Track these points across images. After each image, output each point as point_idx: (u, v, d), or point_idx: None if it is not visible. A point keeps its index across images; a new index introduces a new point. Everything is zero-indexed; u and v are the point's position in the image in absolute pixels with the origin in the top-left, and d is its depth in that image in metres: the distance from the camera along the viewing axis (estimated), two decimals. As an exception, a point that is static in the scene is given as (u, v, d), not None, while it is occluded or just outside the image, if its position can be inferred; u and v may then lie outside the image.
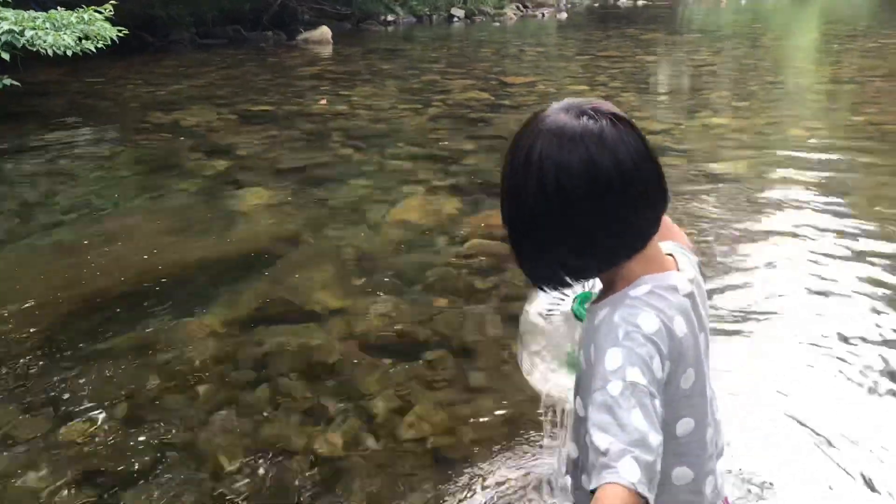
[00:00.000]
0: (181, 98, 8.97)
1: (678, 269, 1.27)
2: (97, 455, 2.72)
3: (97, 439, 2.81)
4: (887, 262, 4.10)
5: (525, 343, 1.56)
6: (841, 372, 3.08)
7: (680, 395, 1.22)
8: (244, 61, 12.28)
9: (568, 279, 1.24)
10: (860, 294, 3.75)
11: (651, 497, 1.04)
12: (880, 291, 3.77)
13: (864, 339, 3.31)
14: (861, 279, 3.90)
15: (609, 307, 1.21)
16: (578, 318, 1.39)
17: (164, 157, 6.49)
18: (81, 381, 3.18)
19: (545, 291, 1.30)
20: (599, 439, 1.07)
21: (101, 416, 2.93)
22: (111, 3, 7.75)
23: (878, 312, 3.56)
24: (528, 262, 1.24)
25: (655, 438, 1.07)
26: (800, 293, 3.79)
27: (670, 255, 1.30)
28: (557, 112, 1.19)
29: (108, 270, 4.21)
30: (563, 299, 1.47)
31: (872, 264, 4.08)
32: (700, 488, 1.29)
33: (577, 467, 1.33)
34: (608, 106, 1.20)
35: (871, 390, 2.97)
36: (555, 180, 1.14)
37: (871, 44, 14.35)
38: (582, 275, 1.25)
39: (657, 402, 1.11)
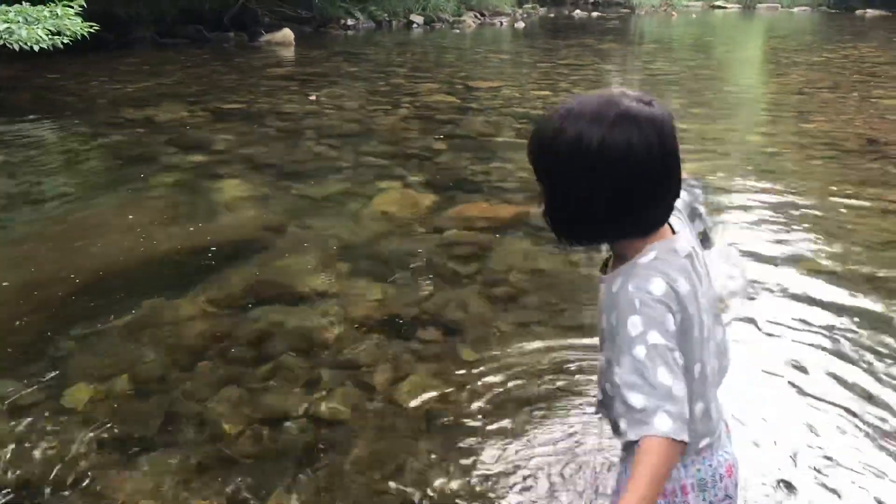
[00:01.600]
0: (151, 95, 9.01)
1: (673, 233, 1.46)
2: (104, 421, 2.82)
3: (102, 408, 2.91)
4: (834, 251, 4.42)
5: None
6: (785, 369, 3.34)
7: (694, 342, 1.41)
8: (209, 61, 12.31)
9: (602, 240, 1.45)
10: (807, 288, 4.03)
11: (685, 438, 1.27)
12: (822, 280, 4.06)
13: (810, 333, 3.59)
14: (810, 271, 4.19)
15: (623, 276, 1.38)
16: None
17: (140, 150, 6.56)
18: (81, 358, 3.27)
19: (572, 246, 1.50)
20: (634, 399, 1.28)
21: (104, 388, 3.03)
22: (82, -1, 7.79)
23: (822, 305, 3.84)
24: (572, 222, 1.41)
25: (680, 389, 1.29)
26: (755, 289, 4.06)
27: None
28: (625, 97, 1.35)
29: (98, 256, 4.30)
30: None
31: (821, 255, 4.38)
32: (710, 415, 1.48)
33: (603, 405, 1.53)
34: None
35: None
36: (626, 153, 1.30)
37: (816, 58, 14.96)
38: (615, 237, 1.43)
39: (677, 355, 1.32)
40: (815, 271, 4.15)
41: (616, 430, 1.46)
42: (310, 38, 16.07)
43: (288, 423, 2.82)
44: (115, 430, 2.77)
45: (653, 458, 1.25)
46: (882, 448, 2.64)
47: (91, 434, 2.75)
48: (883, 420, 2.79)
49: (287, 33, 15.08)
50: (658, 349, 1.30)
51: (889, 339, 3.38)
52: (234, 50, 13.97)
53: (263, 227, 4.80)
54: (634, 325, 1.32)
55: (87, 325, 3.52)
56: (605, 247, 1.55)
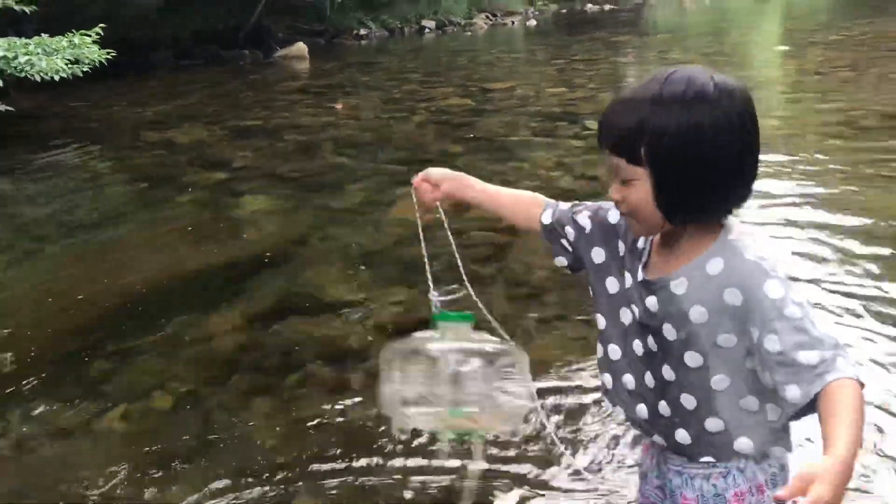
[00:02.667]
0: (170, 117, 9.17)
1: None
2: (145, 439, 2.91)
3: (142, 425, 3.01)
4: (858, 230, 4.41)
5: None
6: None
7: None
8: (226, 80, 12.49)
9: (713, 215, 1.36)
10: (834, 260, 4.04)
11: (863, 382, 1.21)
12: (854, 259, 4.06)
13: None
14: (835, 248, 4.19)
15: (718, 256, 1.33)
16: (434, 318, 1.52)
17: (162, 172, 6.69)
18: (117, 375, 3.37)
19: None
20: (804, 357, 1.22)
21: (142, 405, 3.13)
22: (100, 27, 7.94)
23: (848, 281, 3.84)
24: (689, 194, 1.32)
25: (840, 339, 1.25)
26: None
27: None
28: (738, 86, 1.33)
29: (129, 276, 4.41)
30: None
31: (844, 234, 4.38)
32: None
33: (694, 415, 1.41)
34: None
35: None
36: (739, 123, 1.29)
37: (833, 36, 14.82)
38: (725, 207, 1.36)
39: None
40: (840, 247, 4.15)
41: (690, 448, 1.42)
42: (324, 51, 16.22)
43: (320, 431, 2.89)
44: (156, 447, 2.86)
45: (853, 399, 1.17)
46: None
47: (133, 452, 2.84)
48: None
49: (301, 47, 15.24)
50: (805, 306, 1.27)
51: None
52: (250, 67, 14.15)
53: (287, 239, 4.89)
54: (774, 287, 1.27)
55: (122, 344, 3.63)
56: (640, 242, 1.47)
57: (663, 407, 1.44)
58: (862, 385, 1.19)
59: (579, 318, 3.57)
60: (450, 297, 1.70)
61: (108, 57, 8.07)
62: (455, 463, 2.60)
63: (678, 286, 1.36)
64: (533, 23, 22.92)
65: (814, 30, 16.88)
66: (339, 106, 9.18)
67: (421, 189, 1.77)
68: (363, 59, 15.15)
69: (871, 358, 3.08)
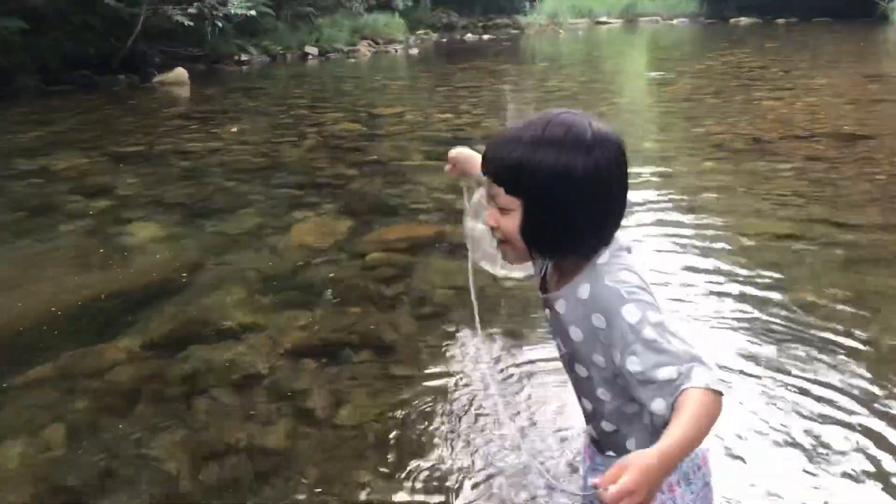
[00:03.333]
0: (43, 144, 8.73)
1: None
2: (43, 476, 2.77)
3: (39, 461, 2.85)
4: (731, 244, 4.71)
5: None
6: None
7: None
8: (100, 105, 12.01)
9: (581, 250, 1.47)
10: (696, 281, 4.29)
11: (724, 389, 1.29)
12: (713, 278, 4.33)
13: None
14: (698, 269, 4.46)
15: (589, 281, 1.44)
16: None
17: (41, 201, 6.36)
18: (6, 413, 3.18)
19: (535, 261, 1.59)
20: (663, 373, 1.30)
21: (39, 441, 2.96)
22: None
23: (714, 295, 4.10)
24: (557, 236, 1.44)
25: (699, 352, 1.33)
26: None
27: None
28: (584, 118, 1.44)
29: (10, 309, 4.17)
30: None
31: (711, 250, 4.67)
32: None
33: (595, 415, 1.57)
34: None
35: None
36: (606, 172, 1.40)
37: (698, 65, 15.77)
38: (592, 248, 1.47)
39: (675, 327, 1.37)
40: (714, 262, 4.41)
41: (599, 444, 1.56)
42: (204, 76, 15.88)
43: (231, 457, 2.82)
44: (56, 482, 2.72)
45: (694, 404, 1.24)
46: (804, 413, 2.85)
47: (32, 490, 2.69)
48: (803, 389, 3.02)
49: (181, 72, 14.86)
50: (662, 325, 1.34)
51: (788, 319, 3.64)
52: (127, 92, 13.68)
53: (180, 266, 4.75)
54: (630, 312, 1.36)
55: (9, 379, 3.42)
56: (533, 269, 1.64)
57: (585, 402, 1.60)
58: (716, 391, 1.27)
59: (486, 333, 3.66)
60: None
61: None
62: (391, 487, 2.62)
63: (560, 305, 1.51)
64: (415, 51, 23.23)
65: (680, 59, 17.92)
66: (234, 129, 9.06)
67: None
68: (246, 84, 14.92)
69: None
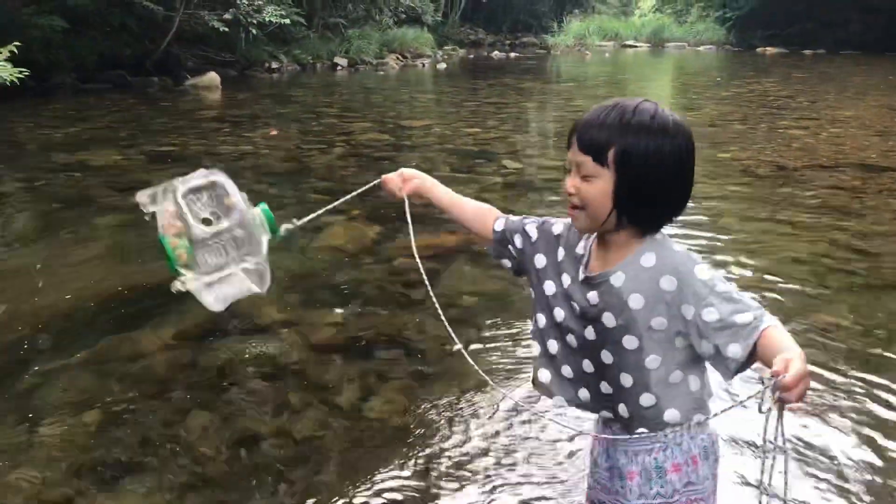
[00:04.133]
0: (81, 140, 8.96)
1: None
2: (80, 451, 2.88)
3: (76, 439, 2.97)
4: (753, 267, 4.78)
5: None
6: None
7: None
8: (135, 105, 12.26)
9: (657, 225, 1.64)
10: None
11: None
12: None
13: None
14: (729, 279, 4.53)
15: (651, 251, 1.60)
16: (271, 227, 1.80)
17: (77, 194, 6.54)
18: (46, 391, 3.31)
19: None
20: (741, 318, 1.49)
21: (76, 421, 3.08)
22: (15, 45, 7.73)
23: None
24: (642, 209, 1.59)
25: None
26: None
27: None
28: (686, 125, 1.63)
29: (49, 297, 4.31)
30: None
31: (731, 274, 4.75)
32: (710, 388, 1.72)
33: (632, 392, 1.64)
34: None
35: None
36: (687, 156, 1.60)
37: (724, 92, 15.83)
38: (662, 220, 1.64)
39: None
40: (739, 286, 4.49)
41: (629, 422, 1.65)
42: (235, 82, 16.13)
43: (261, 444, 2.93)
44: (92, 459, 2.84)
45: (785, 333, 1.46)
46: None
47: (69, 463, 2.81)
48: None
49: (213, 77, 15.12)
50: (731, 283, 1.56)
51: (810, 342, 3.72)
52: (160, 94, 13.93)
53: (213, 262, 4.87)
54: (702, 271, 1.56)
55: (48, 363, 3.55)
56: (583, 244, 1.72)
57: (605, 387, 1.68)
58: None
59: (508, 340, 3.76)
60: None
61: (21, 76, 7.85)
62: (417, 480, 2.71)
63: (617, 279, 1.62)
64: (443, 66, 23.44)
65: (706, 85, 17.96)
66: (273, 132, 9.42)
67: (391, 182, 2.07)
68: (277, 91, 15.17)
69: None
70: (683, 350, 1.59)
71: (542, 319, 1.76)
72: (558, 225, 1.79)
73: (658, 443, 1.65)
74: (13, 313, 4.07)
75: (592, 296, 1.64)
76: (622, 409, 1.67)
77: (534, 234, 1.81)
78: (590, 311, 1.65)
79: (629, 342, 1.62)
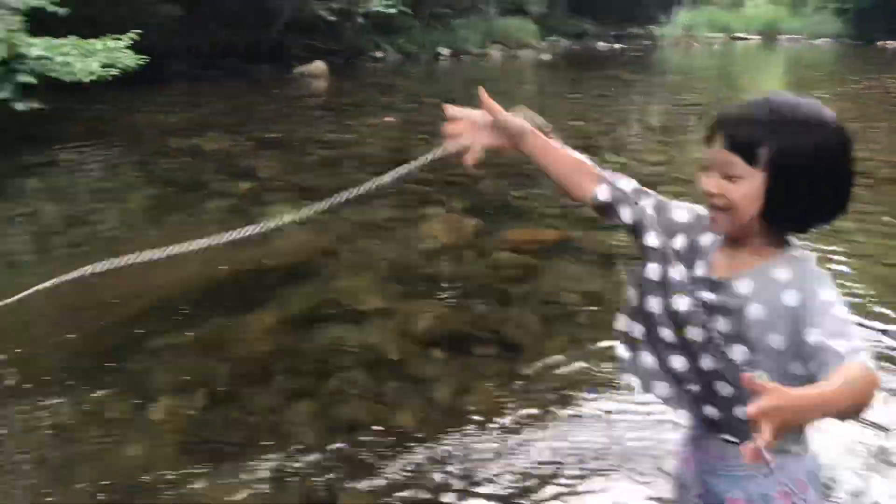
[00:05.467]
0: (194, 125, 9.30)
1: None
2: (187, 432, 3.00)
3: (184, 419, 3.09)
4: (857, 271, 4.53)
5: None
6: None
7: None
8: (246, 92, 12.64)
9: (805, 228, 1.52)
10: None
11: (880, 382, 1.29)
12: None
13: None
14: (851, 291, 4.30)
15: (785, 263, 1.48)
16: None
17: (190, 178, 6.80)
18: (157, 371, 3.45)
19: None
20: (838, 345, 1.33)
21: (183, 402, 3.20)
22: (135, 33, 8.09)
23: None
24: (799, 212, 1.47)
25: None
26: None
27: None
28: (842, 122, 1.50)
29: (163, 277, 4.46)
30: None
31: (845, 274, 4.50)
32: None
33: (733, 401, 1.53)
34: None
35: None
36: (847, 156, 1.45)
37: (840, 88, 15.07)
38: (818, 222, 1.51)
39: None
40: (846, 288, 4.26)
41: (719, 426, 1.56)
42: (341, 70, 16.41)
43: (360, 432, 2.97)
44: (199, 440, 2.94)
45: (852, 373, 1.25)
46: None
47: (176, 442, 2.92)
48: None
49: (320, 65, 15.44)
50: (850, 314, 1.42)
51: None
52: (270, 81, 14.31)
53: (316, 249, 4.99)
54: (828, 294, 1.42)
55: (160, 342, 3.70)
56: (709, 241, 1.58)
57: (722, 386, 1.54)
58: (875, 379, 1.26)
59: (608, 342, 3.68)
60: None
61: (141, 63, 8.21)
62: (511, 476, 2.70)
63: (745, 285, 1.48)
64: (546, 56, 23.21)
65: (821, 80, 17.16)
66: (389, 119, 9.86)
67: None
68: (381, 80, 15.36)
69: None
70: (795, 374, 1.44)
71: (633, 297, 1.64)
72: (681, 211, 1.63)
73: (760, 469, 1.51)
74: (127, 293, 4.25)
75: (709, 296, 1.53)
76: (715, 412, 1.56)
77: (650, 212, 1.63)
78: (702, 311, 1.53)
79: (738, 351, 1.50)
